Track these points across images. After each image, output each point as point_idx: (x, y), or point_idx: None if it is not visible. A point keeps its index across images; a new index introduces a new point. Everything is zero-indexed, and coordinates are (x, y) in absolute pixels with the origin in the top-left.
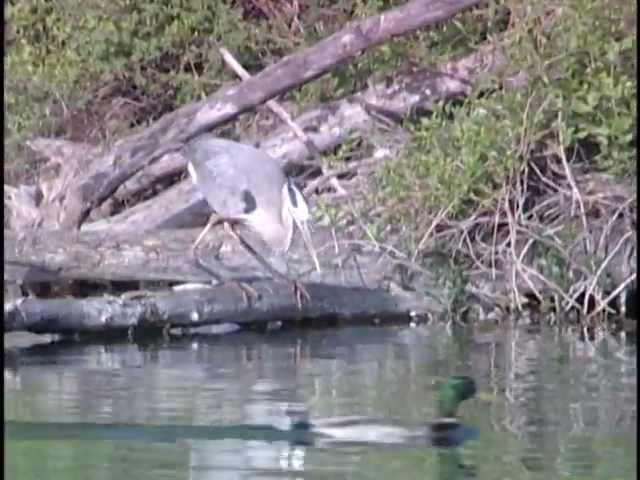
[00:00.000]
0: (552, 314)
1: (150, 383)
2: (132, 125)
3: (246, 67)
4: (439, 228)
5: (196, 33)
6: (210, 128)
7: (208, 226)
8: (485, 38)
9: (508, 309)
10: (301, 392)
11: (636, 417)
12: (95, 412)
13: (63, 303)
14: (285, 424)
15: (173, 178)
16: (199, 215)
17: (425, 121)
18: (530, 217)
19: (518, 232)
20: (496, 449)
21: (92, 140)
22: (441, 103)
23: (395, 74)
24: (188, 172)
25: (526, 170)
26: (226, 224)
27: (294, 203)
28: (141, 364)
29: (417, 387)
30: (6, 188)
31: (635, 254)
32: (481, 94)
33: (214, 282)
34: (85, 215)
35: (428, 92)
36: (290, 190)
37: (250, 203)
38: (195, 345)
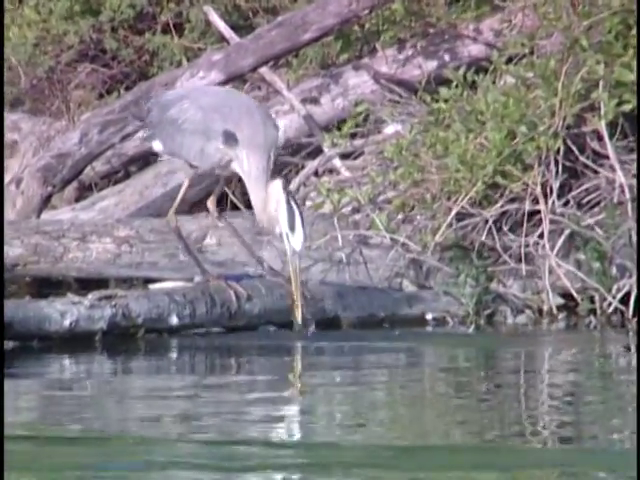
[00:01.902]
0: (592, 317)
1: (121, 398)
2: (101, 96)
3: (234, 28)
4: (460, 217)
5: None
6: None
7: (186, 182)
8: None
9: (540, 311)
10: (298, 411)
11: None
12: (57, 432)
13: (19, 305)
14: None
15: (148, 159)
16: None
17: (444, 91)
18: (566, 204)
19: (552, 221)
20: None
21: (54, 113)
22: (462, 70)
23: (409, 37)
24: (151, 143)
25: (562, 149)
26: (211, 206)
27: (291, 227)
28: (111, 376)
29: (434, 404)
30: None
31: None
32: (509, 60)
33: (197, 279)
34: (46, 201)
35: (447, 58)
36: (288, 204)
37: (232, 140)
38: (174, 353)
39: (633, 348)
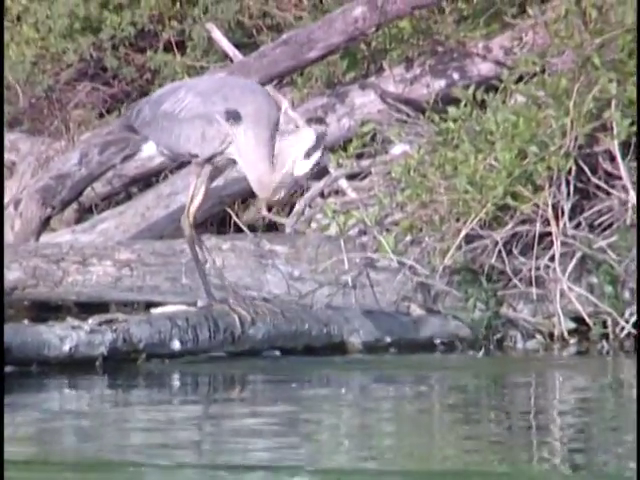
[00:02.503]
0: (604, 342)
1: (122, 425)
2: (101, 115)
3: (238, 46)
4: (469, 239)
5: (178, 5)
6: None
7: (193, 180)
8: (524, 11)
9: (552, 336)
10: (303, 440)
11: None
12: (55, 460)
13: (18, 329)
14: None
15: (150, 179)
16: None
17: (452, 111)
18: (578, 226)
19: (564, 244)
20: None
21: (53, 133)
22: (471, 89)
23: (416, 55)
24: (140, 148)
25: (573, 169)
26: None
27: (307, 153)
28: (112, 405)
29: (442, 432)
30: None
31: None
32: (519, 78)
33: (199, 303)
34: (45, 224)
35: (456, 76)
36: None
37: (236, 117)
38: (176, 380)
39: None
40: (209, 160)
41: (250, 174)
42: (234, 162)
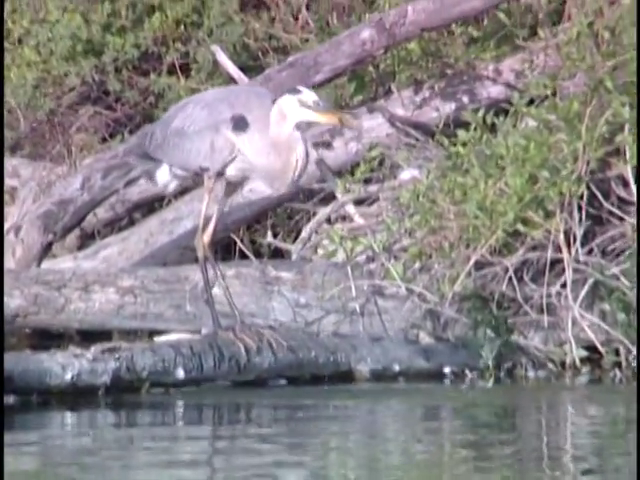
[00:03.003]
0: (617, 370)
1: (126, 455)
2: (104, 140)
3: (243, 69)
4: (479, 266)
5: (182, 27)
6: None
7: (206, 197)
8: (535, 34)
9: (563, 364)
10: (310, 473)
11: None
12: None
13: (19, 357)
14: None
15: (154, 205)
16: (186, 249)
17: (462, 135)
18: (590, 252)
19: (575, 270)
20: None
21: (55, 158)
22: (481, 113)
23: (425, 78)
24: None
25: (585, 195)
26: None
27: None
28: (115, 431)
29: (452, 465)
30: None
31: None
32: (530, 102)
33: (204, 331)
34: (46, 250)
35: (465, 99)
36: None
37: (242, 123)
38: (180, 409)
39: None
40: (221, 174)
41: (265, 177)
42: (247, 177)
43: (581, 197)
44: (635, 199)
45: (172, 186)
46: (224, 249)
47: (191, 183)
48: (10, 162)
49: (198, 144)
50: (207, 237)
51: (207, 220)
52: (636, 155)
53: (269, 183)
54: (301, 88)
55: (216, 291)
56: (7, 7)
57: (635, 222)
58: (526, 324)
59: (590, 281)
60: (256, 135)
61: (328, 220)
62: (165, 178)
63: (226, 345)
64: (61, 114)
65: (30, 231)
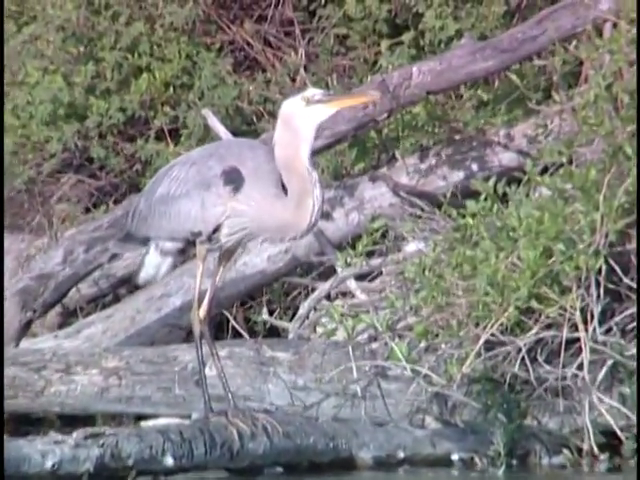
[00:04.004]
0: (637, 458)
1: None
2: (87, 210)
3: (236, 134)
4: (489, 345)
5: (171, 89)
6: None
7: (200, 266)
8: (550, 97)
9: (580, 451)
10: None
11: None
12: None
13: None
14: None
15: None
16: (174, 327)
17: (471, 205)
18: (609, 331)
19: (593, 351)
20: None
21: (35, 230)
22: (492, 181)
23: (432, 144)
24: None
25: (603, 269)
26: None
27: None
28: None
29: None
30: None
31: None
32: (544, 170)
33: (194, 416)
34: (25, 328)
35: (475, 167)
36: None
37: (236, 179)
38: None
39: None
40: (215, 239)
41: (274, 231)
42: (249, 236)
43: (599, 272)
44: None
45: (164, 268)
46: (216, 327)
47: (182, 259)
48: None
49: (187, 206)
50: (203, 311)
51: (202, 293)
52: None
53: (281, 235)
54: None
55: (208, 372)
56: None
57: None
58: (540, 408)
59: (609, 362)
60: (254, 188)
61: (327, 296)
62: (155, 260)
63: (218, 430)
64: (41, 182)
65: (8, 308)
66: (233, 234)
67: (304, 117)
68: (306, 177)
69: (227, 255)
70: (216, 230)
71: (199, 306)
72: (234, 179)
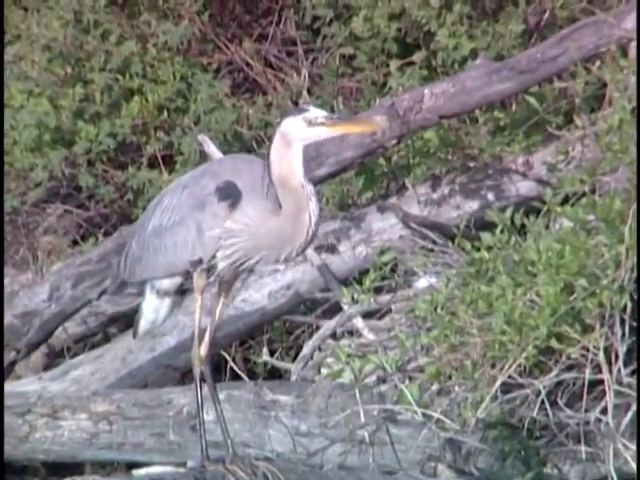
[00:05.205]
0: None
1: None
2: (75, 243)
3: None
4: (506, 388)
5: (165, 113)
6: None
7: (198, 298)
8: (571, 121)
9: None
10: None
11: None
12: None
13: None
14: None
15: (132, 318)
16: (169, 368)
17: (487, 237)
18: (634, 372)
19: (617, 394)
20: None
21: (18, 264)
22: (509, 212)
23: (444, 172)
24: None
25: (629, 306)
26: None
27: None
28: None
29: None
30: None
31: None
32: (565, 200)
33: (190, 463)
34: (8, 370)
35: (491, 197)
36: None
37: (233, 193)
38: None
39: None
40: (213, 268)
41: (272, 246)
42: (239, 269)
43: (624, 309)
44: None
45: (163, 311)
46: (213, 368)
47: (181, 300)
48: None
49: (183, 234)
50: (204, 349)
51: (202, 330)
52: None
53: (277, 253)
54: (307, 106)
55: (205, 416)
56: None
57: None
58: (561, 455)
59: (634, 406)
60: (251, 203)
61: (333, 335)
62: (152, 303)
63: (215, 479)
64: (26, 213)
65: None
66: (229, 256)
67: (302, 136)
68: (300, 192)
69: (225, 288)
70: (215, 253)
71: (200, 343)
72: (230, 194)
